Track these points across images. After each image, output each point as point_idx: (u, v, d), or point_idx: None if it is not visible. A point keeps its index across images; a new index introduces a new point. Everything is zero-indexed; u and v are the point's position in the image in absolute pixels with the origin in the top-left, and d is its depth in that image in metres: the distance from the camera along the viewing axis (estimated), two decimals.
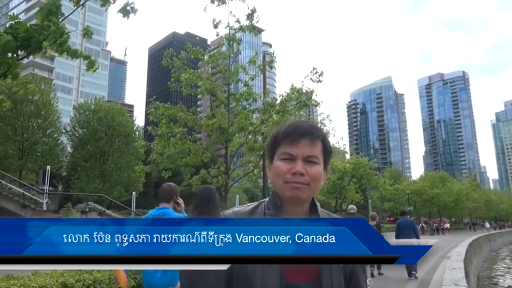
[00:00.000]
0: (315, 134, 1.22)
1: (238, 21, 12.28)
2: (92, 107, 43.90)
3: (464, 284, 5.28)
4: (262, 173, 14.33)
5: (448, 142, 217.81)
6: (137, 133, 46.03)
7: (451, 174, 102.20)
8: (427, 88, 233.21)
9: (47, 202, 26.22)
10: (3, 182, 23.72)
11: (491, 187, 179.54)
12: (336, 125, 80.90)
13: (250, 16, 12.16)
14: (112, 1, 5.40)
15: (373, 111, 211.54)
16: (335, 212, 37.80)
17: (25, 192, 24.88)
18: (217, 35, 12.90)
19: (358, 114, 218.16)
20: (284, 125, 1.28)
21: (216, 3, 11.05)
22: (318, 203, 1.28)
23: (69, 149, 46.45)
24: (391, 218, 62.45)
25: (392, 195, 56.81)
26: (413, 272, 10.42)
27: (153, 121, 12.70)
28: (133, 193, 36.12)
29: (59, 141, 41.61)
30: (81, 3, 5.27)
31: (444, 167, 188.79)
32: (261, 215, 1.24)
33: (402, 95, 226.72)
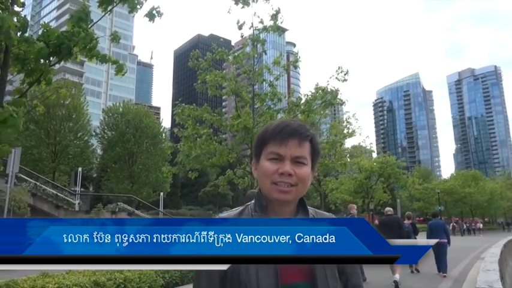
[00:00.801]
0: (303, 134, 1.19)
1: (262, 21, 12.32)
2: (120, 109, 45.00)
3: (499, 286, 5.09)
4: None
5: (480, 139, 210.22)
6: (164, 135, 46.84)
7: (484, 172, 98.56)
8: (457, 84, 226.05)
9: (78, 203, 27.03)
10: (38, 183, 24.61)
11: None
12: (362, 123, 79.37)
13: (274, 17, 12.18)
14: (139, 6, 5.52)
15: (400, 109, 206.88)
16: (362, 212, 37.19)
17: (58, 194, 25.72)
18: (242, 36, 12.97)
19: (385, 112, 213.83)
20: (272, 124, 1.25)
21: (240, 5, 11.12)
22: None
23: (99, 151, 47.74)
24: (421, 218, 60.97)
25: (422, 195, 55.41)
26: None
27: (179, 123, 12.90)
28: (161, 194, 36.74)
29: (90, 143, 42.82)
30: (109, 9, 5.41)
31: (476, 165, 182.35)
32: (249, 217, 1.22)
33: (431, 91, 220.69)
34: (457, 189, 55.39)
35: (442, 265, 10.70)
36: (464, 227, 46.91)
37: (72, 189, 32.83)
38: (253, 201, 1.27)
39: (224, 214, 1.31)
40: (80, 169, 31.56)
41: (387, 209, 11.51)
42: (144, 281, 6.78)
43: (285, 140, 1.18)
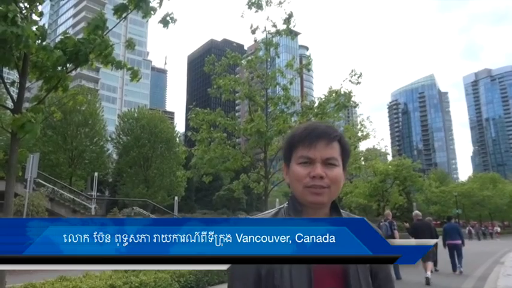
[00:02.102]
0: (332, 135, 1.19)
1: (274, 25, 12.35)
2: (135, 115, 45.56)
3: None
4: None
5: (498, 141, 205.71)
6: (177, 139, 47.19)
7: (503, 174, 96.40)
8: (474, 85, 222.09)
9: (95, 207, 27.39)
10: (55, 188, 25.04)
11: None
12: (376, 126, 78.40)
13: (287, 20, 12.19)
14: (153, 12, 5.60)
15: (415, 111, 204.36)
16: (377, 215, 36.78)
17: (75, 198, 26.13)
18: (255, 41, 13.03)
19: (400, 114, 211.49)
20: (300, 128, 1.25)
21: (254, 9, 11.17)
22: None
23: (114, 156, 48.32)
24: (438, 222, 59.89)
25: (439, 198, 54.50)
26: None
27: (193, 127, 12.99)
28: (176, 198, 36.96)
29: (105, 148, 43.39)
30: (123, 16, 5.50)
31: (494, 167, 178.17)
32: None
33: (446, 93, 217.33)
34: (475, 192, 54.29)
35: (457, 264, 11.73)
36: (481, 231, 45.46)
37: (89, 193, 33.29)
38: (286, 204, 1.27)
39: (258, 215, 1.33)
40: (96, 174, 32.01)
41: (416, 212, 12.24)
42: (160, 285, 6.82)
43: (313, 142, 1.17)
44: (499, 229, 49.06)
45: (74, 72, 5.91)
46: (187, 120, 13.62)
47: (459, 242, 11.95)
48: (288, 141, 1.26)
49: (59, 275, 6.33)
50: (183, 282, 7.42)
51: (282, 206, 1.28)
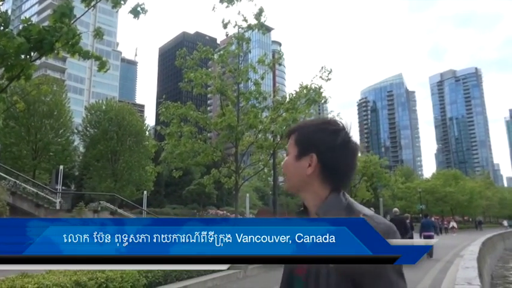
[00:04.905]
0: (288, 133, 1.33)
1: (245, 19, 12.32)
2: (103, 107, 44.38)
3: (478, 283, 5.22)
4: (272, 171, 14.34)
5: (461, 140, 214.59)
6: (147, 132, 46.36)
7: (464, 172, 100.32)
8: (439, 85, 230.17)
9: (60, 201, 26.53)
10: (18, 181, 24.07)
11: (506, 185, 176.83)
12: (346, 122, 79.42)
13: (258, 15, 12.19)
14: (123, 2, 5.45)
15: (384, 109, 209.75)
16: None
17: (39, 192, 25.20)
18: (227, 35, 12.96)
19: (369, 112, 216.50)
20: None
21: (225, 3, 11.07)
22: (343, 197, 1.22)
23: (81, 149, 46.98)
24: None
25: (404, 194, 56.18)
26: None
27: (163, 121, 12.81)
28: (145, 192, 36.34)
29: (72, 141, 42.10)
30: (92, 4, 5.33)
31: (457, 164, 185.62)
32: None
33: (413, 92, 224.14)
34: (438, 188, 56.27)
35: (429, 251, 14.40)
36: (440, 226, 46.10)
37: (54, 187, 32.23)
38: None
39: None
40: (61, 167, 31.00)
41: (395, 209, 15.05)
42: (127, 280, 6.69)
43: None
44: (455, 224, 50.12)
45: (38, 62, 5.68)
46: (157, 113, 13.40)
47: (433, 233, 15.44)
48: None
49: (20, 272, 6.09)
50: (150, 277, 7.31)
51: None
